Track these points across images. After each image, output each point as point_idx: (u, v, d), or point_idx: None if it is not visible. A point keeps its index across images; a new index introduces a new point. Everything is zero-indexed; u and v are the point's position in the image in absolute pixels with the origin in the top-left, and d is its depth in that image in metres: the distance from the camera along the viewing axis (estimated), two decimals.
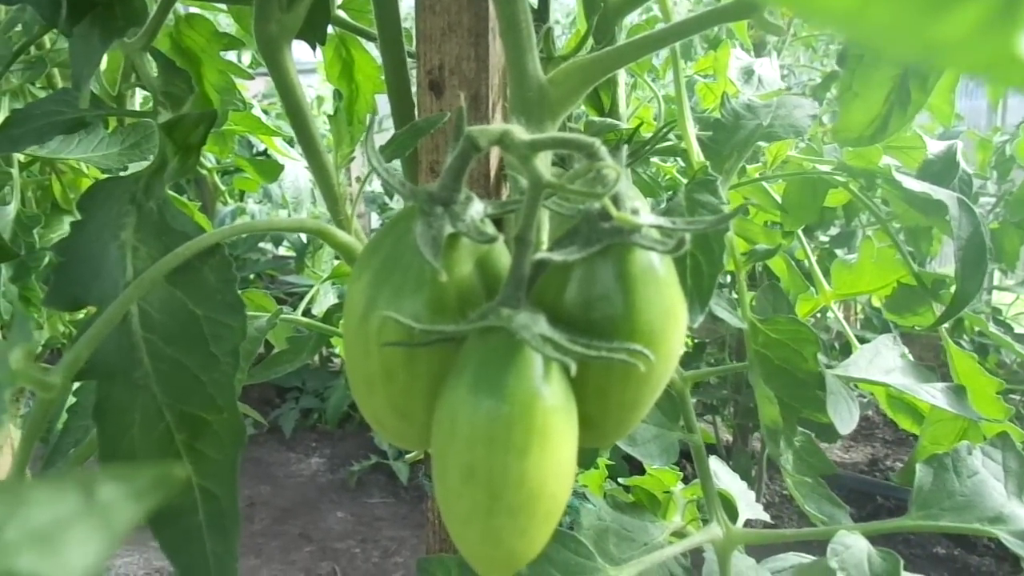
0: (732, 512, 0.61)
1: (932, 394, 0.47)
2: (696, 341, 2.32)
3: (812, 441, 0.47)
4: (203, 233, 0.36)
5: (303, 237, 2.48)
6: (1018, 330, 2.36)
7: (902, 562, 0.37)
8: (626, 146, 0.32)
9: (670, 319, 0.29)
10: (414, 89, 0.50)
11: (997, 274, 2.36)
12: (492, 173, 0.48)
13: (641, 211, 0.29)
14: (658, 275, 0.29)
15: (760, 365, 0.46)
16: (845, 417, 0.45)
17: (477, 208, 0.30)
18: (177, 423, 0.33)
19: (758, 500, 2.37)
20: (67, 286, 0.35)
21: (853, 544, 0.37)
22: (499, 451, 0.26)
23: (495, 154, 0.47)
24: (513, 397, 0.26)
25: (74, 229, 0.38)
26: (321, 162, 0.42)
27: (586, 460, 0.48)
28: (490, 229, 0.30)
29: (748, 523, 0.60)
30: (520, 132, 0.29)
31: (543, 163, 0.29)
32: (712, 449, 2.56)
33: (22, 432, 0.34)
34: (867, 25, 0.08)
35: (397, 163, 0.48)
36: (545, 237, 0.38)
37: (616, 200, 0.28)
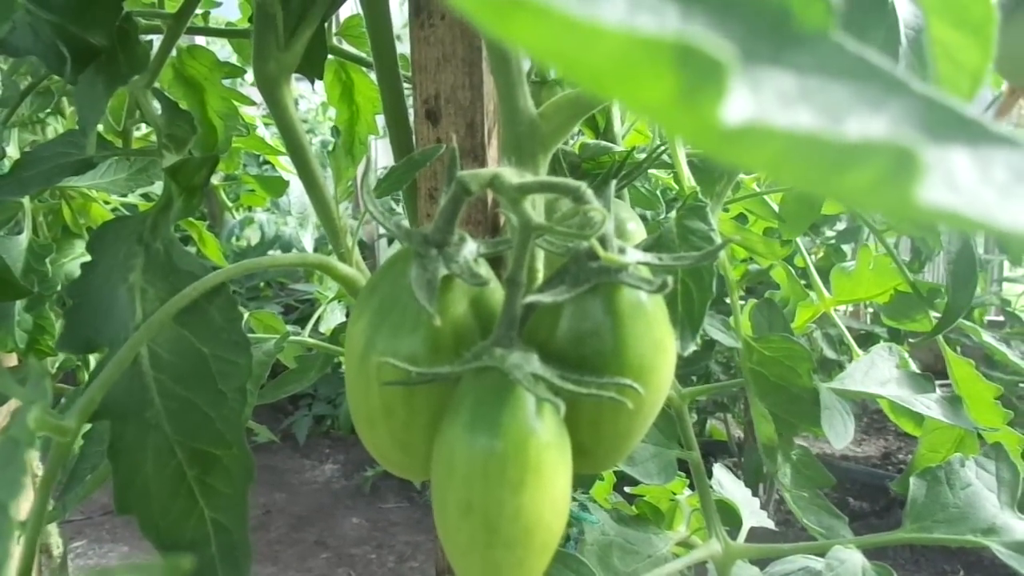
0: (735, 521, 0.61)
1: (927, 405, 0.48)
2: (705, 339, 2.32)
3: (809, 454, 0.48)
4: (209, 271, 0.37)
5: (311, 247, 2.50)
6: None
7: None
8: (615, 181, 0.33)
9: (659, 352, 0.30)
10: (411, 116, 0.51)
11: (1006, 265, 2.35)
12: (490, 200, 0.49)
13: (628, 249, 0.30)
14: (646, 310, 0.30)
15: (755, 383, 0.47)
16: (840, 431, 0.46)
17: (470, 248, 0.31)
18: (188, 460, 0.34)
19: (770, 498, 2.35)
20: (79, 329, 0.37)
21: (848, 559, 0.38)
22: (495, 487, 0.27)
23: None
24: (507, 434, 0.27)
25: (84, 271, 0.39)
26: (322, 197, 0.43)
27: (586, 482, 0.49)
28: (483, 270, 0.31)
29: (753, 531, 0.61)
30: (510, 175, 0.30)
31: (533, 204, 0.30)
32: (723, 446, 2.56)
33: (43, 471, 0.35)
34: (788, 175, 0.09)
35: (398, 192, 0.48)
36: (541, 265, 0.39)
37: (603, 241, 0.29)
